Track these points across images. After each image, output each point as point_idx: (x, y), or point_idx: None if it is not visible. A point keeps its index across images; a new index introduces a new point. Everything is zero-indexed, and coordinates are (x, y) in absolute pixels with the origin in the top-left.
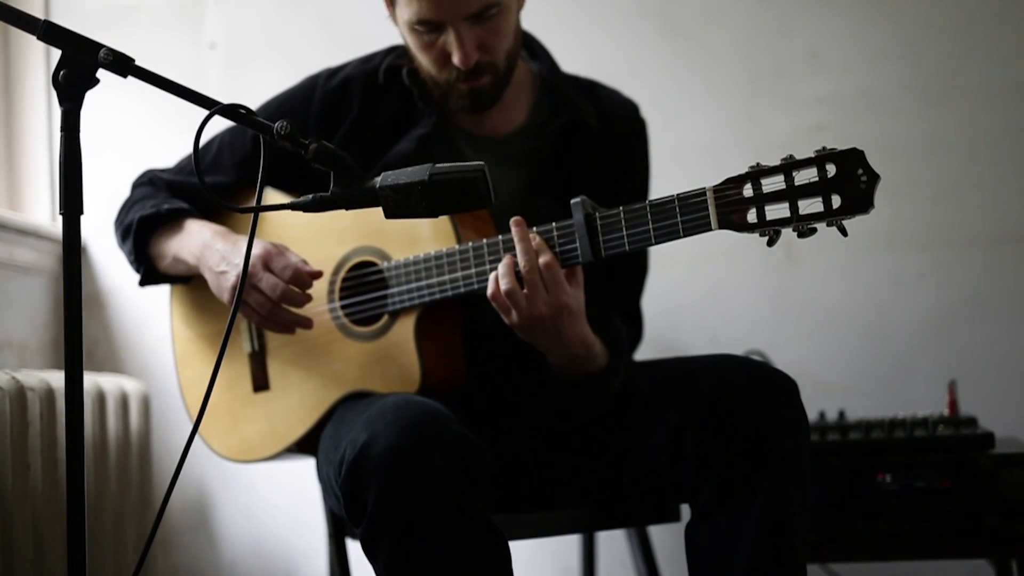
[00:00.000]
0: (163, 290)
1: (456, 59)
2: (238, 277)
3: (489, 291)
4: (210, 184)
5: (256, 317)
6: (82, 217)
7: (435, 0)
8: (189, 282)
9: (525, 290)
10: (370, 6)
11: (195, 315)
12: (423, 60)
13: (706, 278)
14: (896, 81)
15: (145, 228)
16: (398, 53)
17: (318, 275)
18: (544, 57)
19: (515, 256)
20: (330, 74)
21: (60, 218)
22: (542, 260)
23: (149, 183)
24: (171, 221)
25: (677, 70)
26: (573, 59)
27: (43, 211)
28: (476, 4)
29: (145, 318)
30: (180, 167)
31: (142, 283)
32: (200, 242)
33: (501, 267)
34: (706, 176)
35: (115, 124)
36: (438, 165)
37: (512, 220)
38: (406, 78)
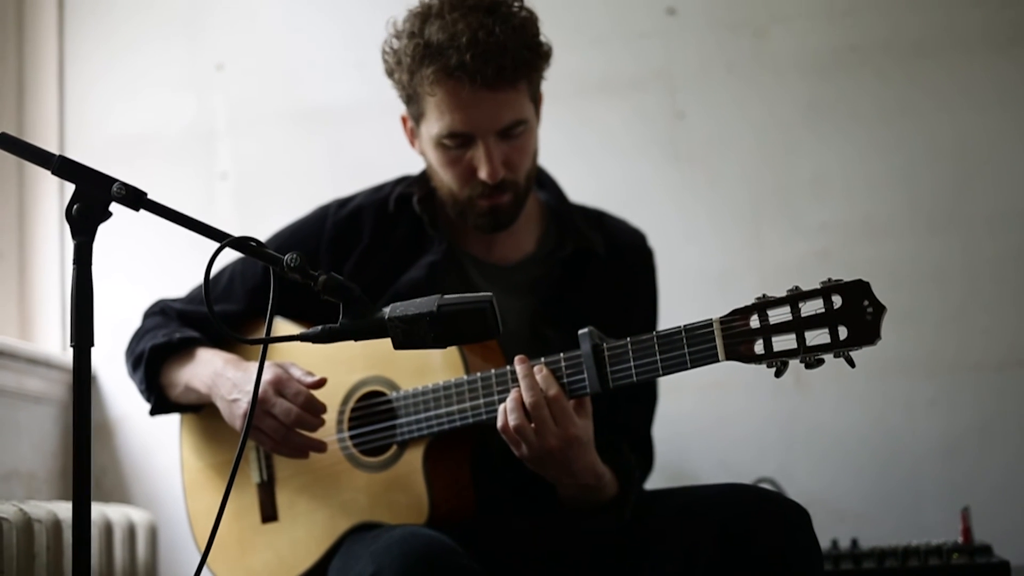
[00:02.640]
0: (172, 419)
1: (484, 173)
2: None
3: (499, 424)
4: (221, 312)
5: (270, 443)
6: (92, 348)
7: (469, 113)
8: (200, 411)
9: (533, 424)
10: (378, 137)
11: (205, 445)
12: (446, 176)
13: (715, 404)
14: (901, 207)
15: (156, 357)
16: (408, 182)
17: (321, 383)
18: (551, 187)
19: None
20: (340, 204)
21: (70, 347)
22: (550, 393)
23: (160, 313)
24: (182, 350)
25: (683, 198)
26: (581, 186)
27: (54, 340)
28: (507, 119)
29: (153, 446)
30: (191, 297)
31: (153, 412)
32: (211, 371)
33: (509, 401)
34: (713, 302)
35: (127, 253)
36: (446, 296)
37: (516, 358)
38: (416, 206)
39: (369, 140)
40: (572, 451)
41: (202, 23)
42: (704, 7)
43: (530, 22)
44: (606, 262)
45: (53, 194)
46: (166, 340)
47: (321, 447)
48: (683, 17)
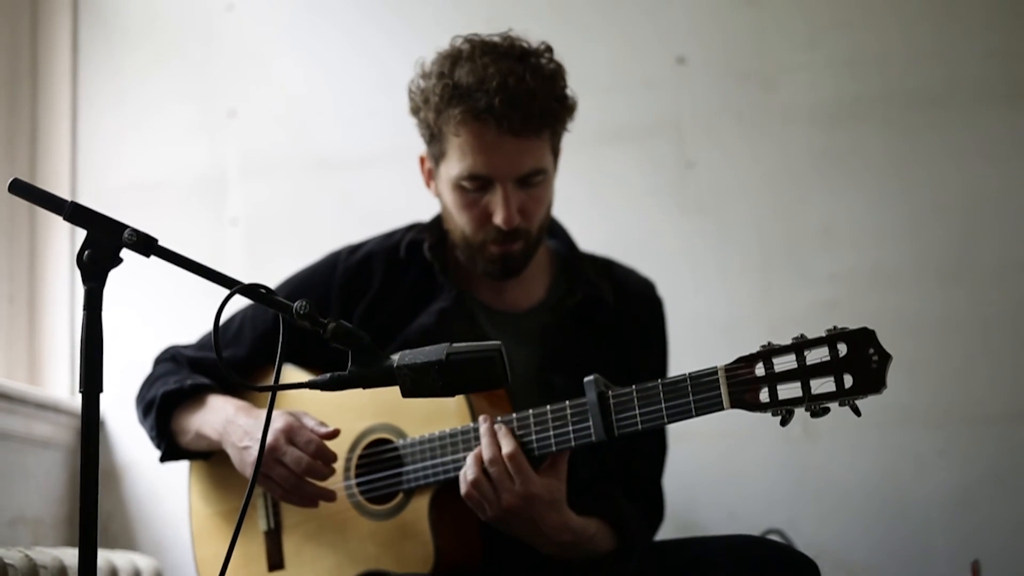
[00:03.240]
0: (180, 465)
1: (499, 218)
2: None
3: (462, 490)
4: (231, 358)
5: (280, 491)
6: (101, 394)
7: (490, 157)
8: (209, 458)
9: (491, 482)
10: (388, 185)
11: (214, 492)
12: (461, 219)
13: (723, 454)
14: (909, 257)
15: (168, 404)
16: (419, 229)
17: (334, 434)
18: (562, 235)
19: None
20: (351, 250)
21: (79, 392)
22: (506, 451)
23: (171, 359)
24: (194, 397)
25: (692, 246)
26: (591, 233)
27: (62, 385)
28: (527, 167)
29: (160, 492)
30: (202, 343)
31: (163, 459)
32: (223, 418)
33: (469, 459)
34: (721, 351)
35: (137, 298)
36: (455, 345)
37: (480, 417)
38: (427, 252)
39: (379, 188)
40: (534, 509)
41: (215, 70)
42: (714, 57)
43: (559, 74)
44: (615, 310)
45: (64, 239)
46: (177, 387)
47: (331, 496)
48: (693, 67)
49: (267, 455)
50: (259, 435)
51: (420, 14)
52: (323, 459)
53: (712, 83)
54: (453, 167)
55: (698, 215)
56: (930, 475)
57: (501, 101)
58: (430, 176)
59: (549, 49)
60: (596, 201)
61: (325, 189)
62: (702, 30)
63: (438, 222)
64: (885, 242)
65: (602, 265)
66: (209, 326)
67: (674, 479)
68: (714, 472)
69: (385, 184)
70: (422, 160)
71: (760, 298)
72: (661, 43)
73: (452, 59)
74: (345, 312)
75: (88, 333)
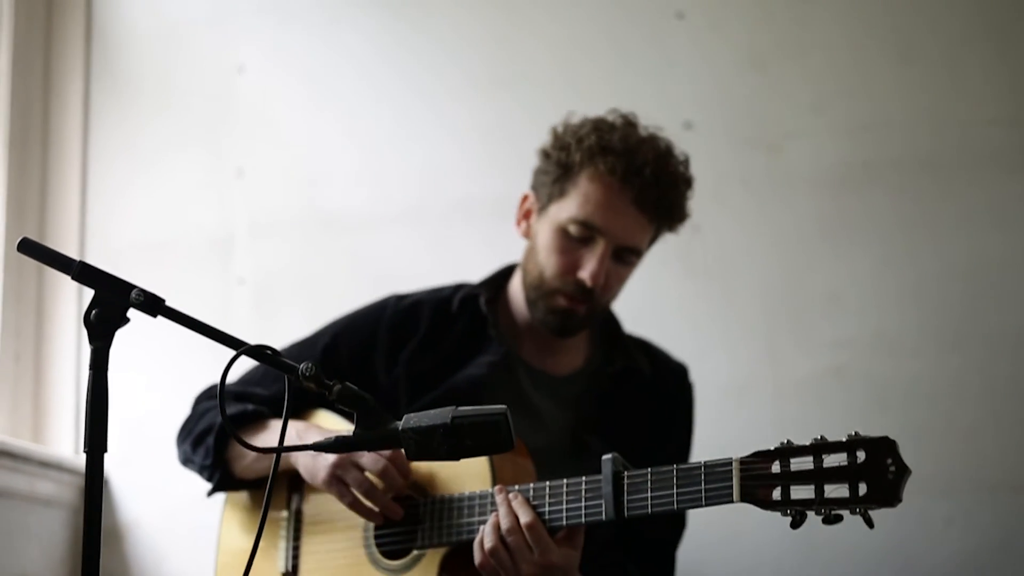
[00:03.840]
0: (183, 525)
1: (587, 272)
2: (339, 456)
3: (476, 559)
4: (262, 396)
5: (349, 497)
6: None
7: (609, 214)
8: (254, 488)
9: (509, 551)
10: (394, 246)
11: (246, 527)
12: (548, 260)
13: (731, 520)
14: (915, 323)
15: (230, 428)
16: (472, 285)
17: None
18: (608, 313)
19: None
20: (400, 297)
21: (83, 451)
22: (524, 521)
23: (214, 397)
24: (255, 421)
25: (697, 311)
26: None
27: (66, 443)
28: (632, 240)
29: (164, 552)
30: (246, 378)
31: (213, 491)
32: (292, 433)
33: (486, 527)
34: (726, 418)
35: (142, 357)
36: (460, 408)
37: (495, 488)
38: (483, 306)
39: (386, 249)
40: None
41: (224, 130)
42: (720, 122)
43: (690, 184)
44: (650, 384)
45: (71, 298)
46: (240, 411)
47: (397, 512)
48: (699, 132)
49: (343, 459)
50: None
51: (428, 77)
52: (397, 467)
53: (718, 148)
54: (569, 208)
55: (704, 279)
56: (938, 544)
57: (646, 174)
58: (527, 215)
59: (688, 160)
60: None
61: (332, 249)
62: (708, 96)
63: (495, 280)
64: (891, 308)
65: (640, 343)
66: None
67: (682, 544)
68: (722, 539)
69: (392, 244)
70: (524, 198)
71: (766, 363)
72: (667, 108)
73: (608, 125)
74: (391, 353)
75: (94, 392)
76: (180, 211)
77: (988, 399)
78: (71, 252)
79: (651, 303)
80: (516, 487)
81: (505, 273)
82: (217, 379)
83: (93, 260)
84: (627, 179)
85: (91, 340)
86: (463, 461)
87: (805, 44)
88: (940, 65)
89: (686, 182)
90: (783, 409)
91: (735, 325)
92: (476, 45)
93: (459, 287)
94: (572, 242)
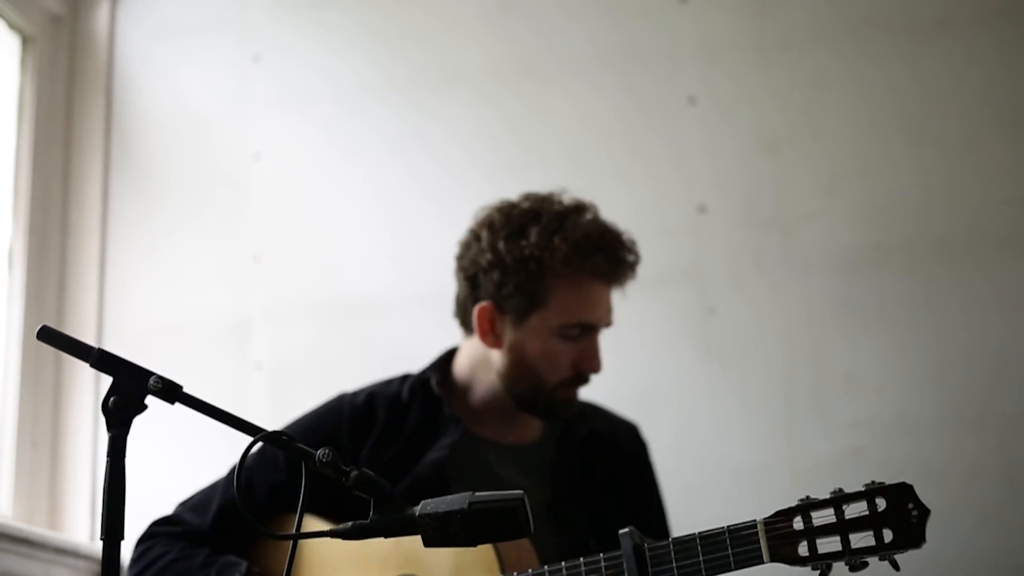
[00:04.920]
0: None
1: (593, 364)
2: None
3: None
4: (190, 527)
5: None
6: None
7: (597, 307)
8: None
9: None
10: (409, 330)
11: None
12: (548, 367)
13: None
14: (933, 404)
15: None
16: (420, 372)
17: None
18: None
19: None
20: (353, 394)
21: (99, 539)
22: None
23: (166, 537)
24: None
25: (714, 393)
26: (612, 380)
27: (82, 530)
28: (612, 315)
29: None
30: (194, 504)
31: None
32: None
33: None
34: (745, 500)
35: (158, 442)
36: (477, 494)
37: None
38: (436, 388)
39: (401, 333)
40: None
41: (241, 216)
42: (734, 205)
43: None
44: (611, 447)
45: (89, 384)
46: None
47: None
48: (713, 214)
49: None
50: None
51: (442, 163)
52: None
53: (732, 230)
54: (557, 315)
55: (720, 361)
56: None
57: (612, 258)
58: (493, 327)
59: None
60: (618, 348)
61: (348, 333)
62: (721, 178)
63: (440, 364)
64: (908, 389)
65: (590, 407)
66: (227, 469)
67: None
68: None
69: (407, 329)
70: (483, 311)
71: (784, 445)
72: (681, 191)
73: (558, 216)
74: (354, 452)
75: (111, 480)
76: (197, 296)
77: (1007, 480)
78: (89, 337)
79: (667, 386)
80: (530, 572)
81: (447, 357)
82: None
83: (111, 345)
84: (606, 269)
85: (109, 427)
86: (464, 550)
87: (816, 127)
88: (952, 147)
89: (630, 238)
90: (801, 491)
91: (751, 407)
92: (489, 131)
93: (406, 376)
94: (567, 342)
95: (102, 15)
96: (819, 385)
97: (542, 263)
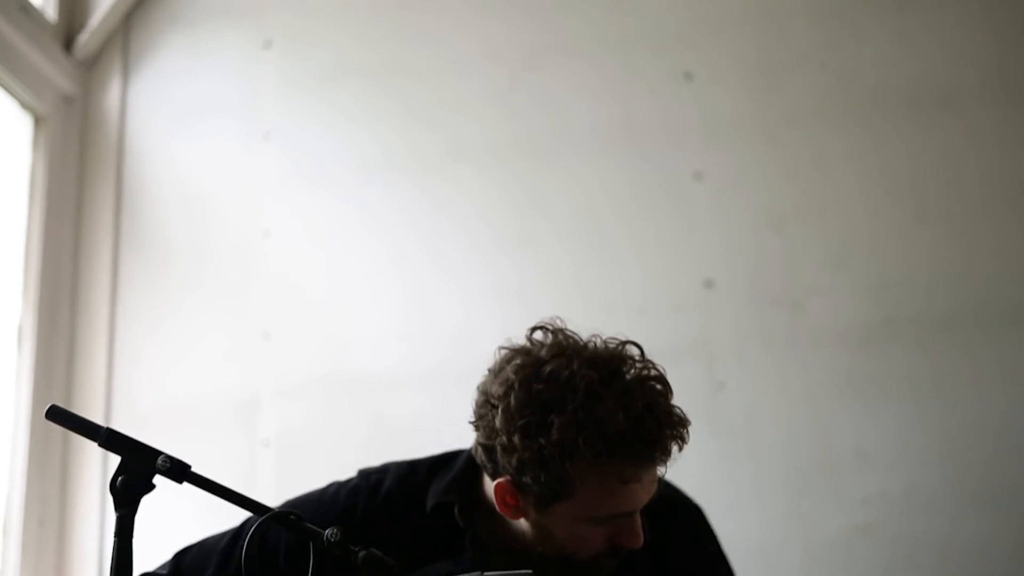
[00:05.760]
0: None
1: (635, 543)
2: None
3: None
4: None
5: None
6: None
7: (639, 493)
8: None
9: None
10: (418, 406)
11: None
12: (576, 546)
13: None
14: (943, 481)
15: None
16: (446, 486)
17: None
18: None
19: None
20: (371, 491)
21: None
22: None
23: None
24: None
25: (723, 469)
26: None
27: None
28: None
29: None
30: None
31: None
32: None
33: None
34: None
35: (167, 520)
36: (488, 573)
37: None
38: (459, 518)
39: (409, 410)
40: None
41: (250, 294)
42: (741, 280)
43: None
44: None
45: (96, 462)
46: None
47: None
48: (720, 290)
49: None
50: None
51: (449, 241)
52: None
53: (740, 306)
54: (586, 506)
55: (729, 437)
56: None
57: (652, 447)
58: (515, 502)
59: (662, 372)
60: None
61: (356, 410)
62: (728, 254)
63: (464, 477)
64: (919, 465)
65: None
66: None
67: None
68: None
69: (415, 406)
70: (501, 488)
71: (794, 521)
72: (689, 267)
73: (575, 401)
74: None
75: (118, 560)
76: (206, 373)
77: (1019, 557)
78: (97, 413)
79: (674, 463)
80: None
81: (471, 476)
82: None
83: (119, 421)
84: (648, 465)
85: (116, 507)
86: None
87: (822, 202)
88: (958, 222)
89: (683, 420)
90: (813, 568)
91: (762, 483)
92: (498, 208)
93: (433, 470)
94: (602, 527)
95: (113, 95)
96: (829, 461)
97: (563, 464)
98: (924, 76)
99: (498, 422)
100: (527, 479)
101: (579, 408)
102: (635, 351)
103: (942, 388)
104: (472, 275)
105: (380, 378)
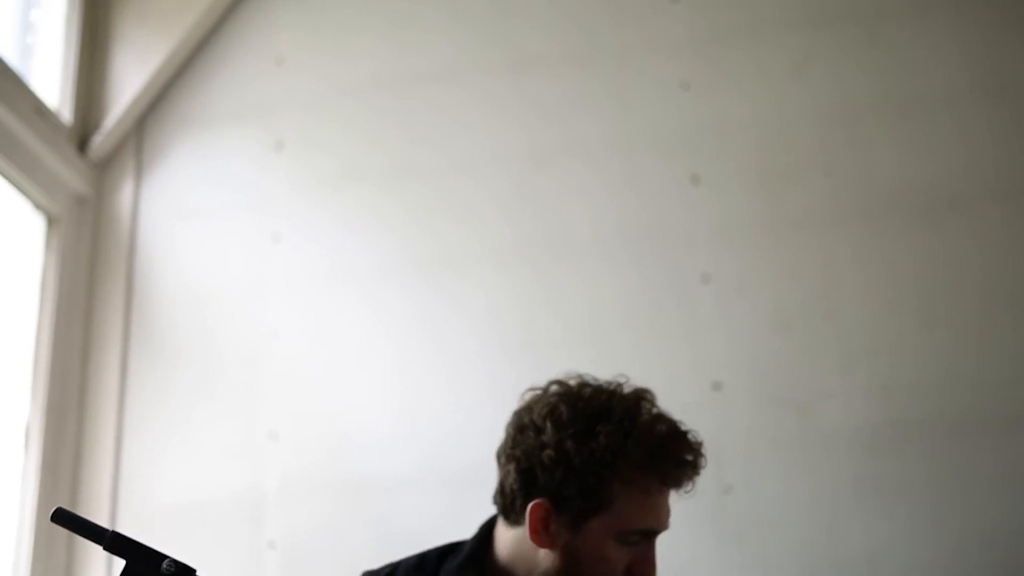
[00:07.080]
0: None
1: (650, 571)
2: None
3: None
4: None
5: None
6: None
7: (664, 512)
8: None
9: None
10: (425, 507)
11: None
12: (600, 572)
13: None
14: None
15: None
16: (459, 564)
17: None
18: None
19: None
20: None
21: None
22: None
23: None
24: None
25: (732, 574)
26: None
27: None
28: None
29: None
30: None
31: None
32: None
33: None
34: None
35: None
36: None
37: None
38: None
39: (418, 512)
40: None
41: (257, 394)
42: (749, 382)
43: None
44: None
45: (101, 564)
46: None
47: None
48: (728, 392)
49: None
50: None
51: (459, 342)
52: None
53: (748, 409)
54: (622, 522)
55: (736, 541)
56: None
57: (683, 464)
58: (546, 526)
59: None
60: None
61: (362, 511)
62: (736, 357)
63: (476, 555)
64: (930, 570)
65: None
66: None
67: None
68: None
69: (422, 507)
70: (537, 508)
71: None
72: (696, 370)
73: (618, 414)
74: None
75: None
76: (213, 474)
77: None
78: (102, 514)
79: (683, 567)
80: None
81: (485, 538)
82: None
83: (124, 522)
84: (677, 480)
85: None
86: None
87: (830, 305)
88: (966, 325)
89: (701, 448)
90: None
91: None
92: (505, 310)
93: (443, 554)
94: (624, 548)
95: (125, 196)
96: (839, 567)
97: (613, 467)
98: (928, 180)
99: (545, 436)
100: (569, 491)
101: (623, 419)
102: (652, 395)
103: (952, 492)
104: (480, 377)
105: (388, 479)
